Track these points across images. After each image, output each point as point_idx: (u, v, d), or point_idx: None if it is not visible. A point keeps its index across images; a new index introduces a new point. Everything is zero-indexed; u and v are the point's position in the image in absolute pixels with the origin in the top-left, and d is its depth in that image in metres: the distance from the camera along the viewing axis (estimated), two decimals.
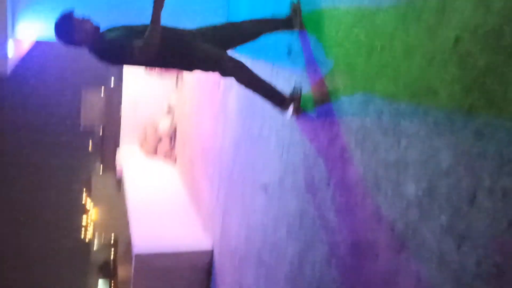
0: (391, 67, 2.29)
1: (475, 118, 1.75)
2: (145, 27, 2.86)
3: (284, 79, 3.66)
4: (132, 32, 3.01)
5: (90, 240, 34.93)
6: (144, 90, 9.34)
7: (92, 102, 28.05)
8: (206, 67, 3.23)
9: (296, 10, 3.38)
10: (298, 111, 3.30)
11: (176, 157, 8.76)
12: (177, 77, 8.65)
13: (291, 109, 3.30)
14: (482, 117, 1.72)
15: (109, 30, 3.06)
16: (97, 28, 3.01)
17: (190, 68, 3.30)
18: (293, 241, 3.44)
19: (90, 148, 34.07)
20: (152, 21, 2.81)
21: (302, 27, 3.35)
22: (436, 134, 1.96)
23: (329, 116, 2.91)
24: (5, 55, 4.04)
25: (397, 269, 2.17)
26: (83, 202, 35.50)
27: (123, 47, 2.92)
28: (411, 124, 2.12)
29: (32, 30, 4.56)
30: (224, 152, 5.39)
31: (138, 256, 5.76)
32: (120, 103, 9.96)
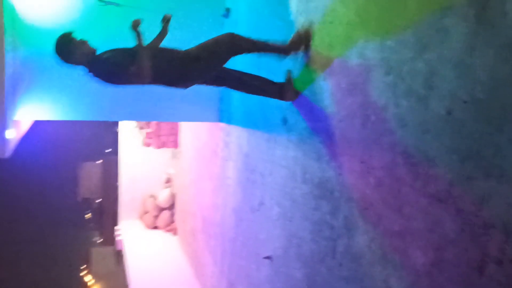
0: (386, 137, 2.34)
1: (475, 186, 1.78)
2: (137, 47, 2.99)
3: (281, 147, 3.71)
4: (126, 53, 3.09)
5: None
6: (141, 162, 9.37)
7: (90, 175, 28.14)
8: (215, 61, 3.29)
9: (289, 80, 3.48)
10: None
11: (176, 229, 8.66)
12: (174, 149, 8.73)
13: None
14: (481, 186, 1.75)
15: (105, 52, 3.14)
16: (94, 50, 3.11)
17: (188, 80, 3.31)
18: None
19: (88, 222, 33.71)
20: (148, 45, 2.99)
21: (295, 97, 3.44)
22: (437, 202, 1.97)
23: (330, 185, 2.93)
24: (3, 140, 4.10)
25: None
26: (83, 276, 34.66)
27: (120, 67, 3.04)
28: (412, 192, 2.14)
29: (31, 112, 4.67)
30: (225, 223, 5.35)
31: None
32: (117, 176, 9.95)
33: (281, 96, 3.54)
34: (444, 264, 1.92)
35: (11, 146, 4.44)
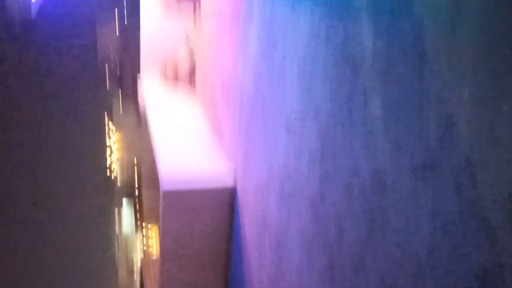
0: None
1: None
2: None
3: (306, 12, 3.62)
4: None
5: (112, 165, 36.25)
6: (161, 20, 9.26)
7: (108, 35, 28.03)
8: None
9: None
10: None
11: (195, 83, 8.86)
12: (194, 7, 8.53)
13: None
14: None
15: None
16: None
17: None
18: (314, 174, 3.57)
19: (108, 81, 34.37)
20: None
21: None
22: (455, 69, 1.98)
23: (351, 48, 2.92)
24: (29, 1, 4.04)
25: None
26: (104, 126, 36.34)
27: None
28: (436, 63, 2.14)
29: None
30: (244, 86, 5.42)
31: (166, 193, 5.99)
32: (137, 33, 9.94)
33: None
34: (456, 132, 2.00)
35: (35, 8, 4.39)
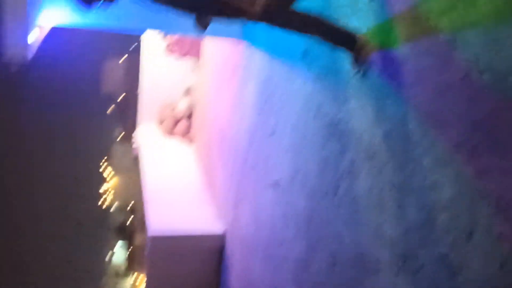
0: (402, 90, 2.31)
1: (479, 157, 1.79)
2: None
3: (300, 79, 3.69)
4: None
5: (108, 206, 35.91)
6: (162, 69, 9.32)
7: (113, 72, 28.39)
8: None
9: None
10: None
11: (192, 138, 8.84)
12: (195, 59, 8.67)
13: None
14: (485, 158, 1.76)
15: None
16: None
17: None
18: (300, 241, 3.54)
19: (111, 117, 34.53)
20: None
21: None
22: (440, 165, 2.00)
23: (340, 126, 2.95)
24: (25, 43, 4.10)
25: None
26: (102, 171, 36.32)
27: None
28: (418, 150, 2.16)
29: (53, 17, 4.61)
30: (239, 141, 5.45)
31: (153, 238, 5.93)
32: (138, 76, 9.93)
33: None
34: (435, 225, 2.00)
35: (32, 50, 4.47)
